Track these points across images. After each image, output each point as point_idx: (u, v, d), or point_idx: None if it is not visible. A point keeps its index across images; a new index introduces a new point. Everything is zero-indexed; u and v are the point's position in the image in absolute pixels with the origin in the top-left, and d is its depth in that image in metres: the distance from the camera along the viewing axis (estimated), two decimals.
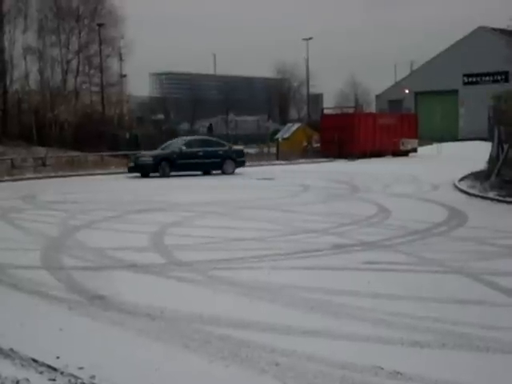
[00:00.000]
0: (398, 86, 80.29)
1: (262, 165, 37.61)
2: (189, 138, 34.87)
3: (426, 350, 5.79)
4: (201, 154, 29.77)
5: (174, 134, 53.95)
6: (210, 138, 35.71)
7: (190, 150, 29.80)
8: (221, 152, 30.54)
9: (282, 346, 5.85)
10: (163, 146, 31.87)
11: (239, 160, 31.39)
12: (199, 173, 29.80)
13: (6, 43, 57.41)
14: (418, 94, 76.53)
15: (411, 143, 47.17)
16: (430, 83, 73.43)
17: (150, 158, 29.60)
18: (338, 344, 5.99)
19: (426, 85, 74.26)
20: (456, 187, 20.83)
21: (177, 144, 31.21)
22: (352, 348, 5.89)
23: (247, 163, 32.45)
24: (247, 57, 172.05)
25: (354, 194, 19.99)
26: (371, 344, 5.97)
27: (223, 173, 29.99)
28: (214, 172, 30.21)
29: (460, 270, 9.03)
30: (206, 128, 76.09)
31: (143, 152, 32.38)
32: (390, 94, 79.70)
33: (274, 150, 44.74)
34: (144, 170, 29.41)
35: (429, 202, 17.69)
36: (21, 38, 57.60)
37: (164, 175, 28.80)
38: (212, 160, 30.02)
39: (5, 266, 9.59)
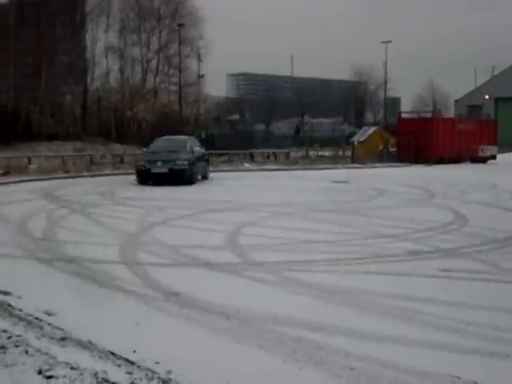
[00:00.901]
0: (478, 91, 78.81)
1: (336, 168, 37.44)
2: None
3: (505, 362, 5.67)
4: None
5: (249, 135, 54.34)
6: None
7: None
8: None
9: (356, 350, 5.81)
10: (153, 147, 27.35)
11: None
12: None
13: (89, 42, 59.03)
14: (498, 100, 74.96)
15: (490, 150, 46.23)
16: None
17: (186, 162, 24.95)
18: (414, 351, 5.91)
19: (507, 91, 72.67)
20: None
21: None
22: (428, 356, 5.80)
23: (323, 166, 31.99)
24: (324, 59, 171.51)
25: (431, 200, 19.69)
26: (448, 353, 5.87)
27: None
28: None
29: None
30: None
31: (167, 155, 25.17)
32: (469, 99, 78.30)
33: (349, 153, 44.48)
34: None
35: (508, 210, 17.28)
36: (103, 37, 59.11)
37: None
38: None
39: (84, 260, 9.81)
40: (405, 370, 5.39)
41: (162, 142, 27.39)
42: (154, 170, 24.44)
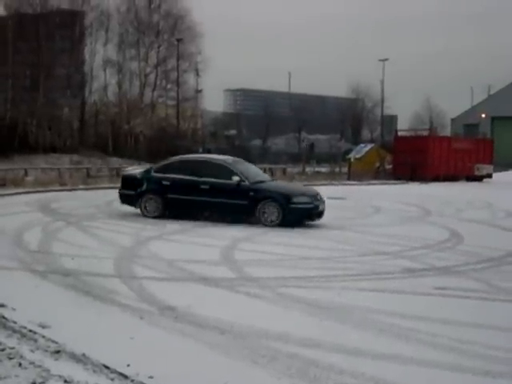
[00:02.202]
0: (475, 110, 79.10)
1: (333, 184, 37.47)
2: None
3: (498, 381, 5.67)
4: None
5: (246, 150, 54.47)
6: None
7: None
8: None
9: (351, 367, 5.81)
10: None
11: None
12: None
13: (87, 55, 59.16)
14: (494, 119, 75.19)
15: (486, 169, 46.33)
16: (508, 108, 72.09)
17: None
18: (408, 369, 5.91)
19: (503, 110, 72.94)
20: None
21: None
22: (422, 374, 5.81)
23: (319, 182, 32.01)
24: (322, 76, 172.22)
25: (426, 218, 19.71)
26: (442, 371, 5.87)
27: None
28: None
29: None
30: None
31: None
32: (465, 118, 78.59)
33: (345, 169, 44.55)
34: None
35: (503, 229, 17.31)
36: (101, 51, 59.25)
37: None
38: None
39: (79, 273, 9.79)
40: None
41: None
42: None
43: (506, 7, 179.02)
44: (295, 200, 16.40)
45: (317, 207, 16.73)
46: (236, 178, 16.76)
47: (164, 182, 17.40)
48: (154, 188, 17.54)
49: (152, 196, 17.49)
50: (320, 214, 16.89)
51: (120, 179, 18.77)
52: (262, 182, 17.44)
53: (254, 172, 18.37)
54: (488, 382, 5.67)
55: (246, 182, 16.77)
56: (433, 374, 5.81)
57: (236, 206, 16.65)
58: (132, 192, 17.80)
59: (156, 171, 17.88)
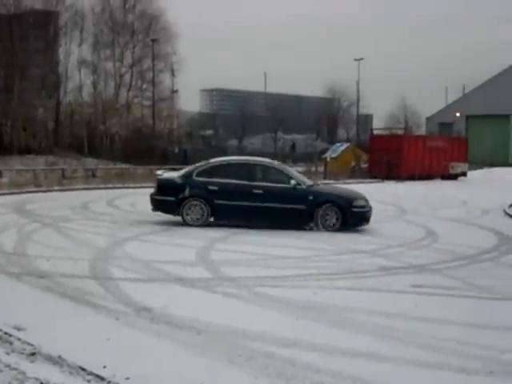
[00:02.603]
0: (449, 109, 79.63)
1: None
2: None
3: (473, 377, 5.72)
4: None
5: (222, 150, 54.42)
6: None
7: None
8: None
9: (327, 366, 5.83)
10: None
11: None
12: None
13: (62, 56, 58.83)
14: (469, 118, 75.76)
15: (461, 167, 46.65)
16: (482, 107, 72.67)
17: None
18: (384, 366, 5.94)
19: (477, 109, 73.49)
20: (506, 213, 20.53)
21: None
22: (398, 371, 5.84)
23: None
24: (298, 76, 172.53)
25: (402, 216, 19.83)
26: (418, 368, 5.91)
27: None
28: None
29: (509, 297, 8.89)
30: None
31: None
32: (440, 116, 79.09)
33: (321, 169, 44.65)
34: None
35: (478, 227, 17.46)
36: (76, 51, 58.96)
37: None
38: None
39: (54, 275, 9.73)
40: None
41: None
42: None
43: (480, 9, 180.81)
44: (356, 204, 15.91)
45: (371, 210, 16.27)
46: (293, 182, 16.00)
47: (210, 187, 16.04)
48: (198, 193, 16.08)
49: (196, 202, 16.05)
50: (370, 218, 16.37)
51: (155, 183, 17.11)
52: (313, 185, 16.78)
53: (300, 175, 17.80)
54: (463, 378, 5.71)
55: (303, 186, 16.11)
56: (409, 372, 5.84)
57: (293, 210, 15.87)
58: (171, 198, 16.20)
59: (198, 175, 16.38)
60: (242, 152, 62.49)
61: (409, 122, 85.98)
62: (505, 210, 20.97)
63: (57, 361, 5.82)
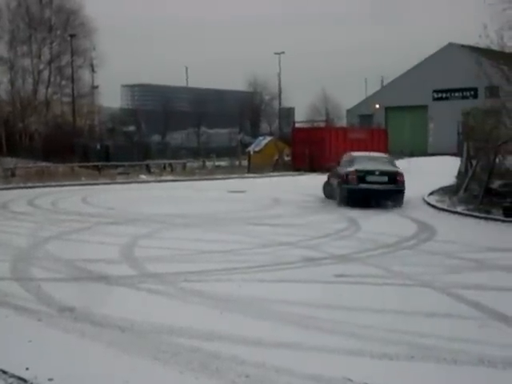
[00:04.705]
0: (369, 100, 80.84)
1: (233, 177, 37.61)
2: None
3: (394, 363, 5.86)
4: None
5: (145, 146, 53.90)
6: None
7: None
8: None
9: (252, 358, 5.87)
10: None
11: None
12: None
13: None
14: (388, 109, 77.09)
15: None
16: (400, 98, 74.04)
17: None
18: (308, 356, 6.03)
19: (396, 100, 74.83)
20: (425, 201, 21.03)
21: None
22: (322, 360, 5.93)
23: (220, 176, 32.04)
24: (219, 70, 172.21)
25: (325, 207, 20.08)
26: (341, 356, 6.02)
27: None
28: None
29: (429, 284, 9.13)
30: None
31: None
32: (360, 108, 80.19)
33: (245, 163, 44.79)
34: None
35: (398, 215, 17.84)
36: None
37: None
38: None
39: None
40: (300, 374, 5.49)
41: None
42: None
43: (400, 6, 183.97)
44: None
45: None
46: None
47: None
48: None
49: None
50: None
51: None
52: None
53: None
54: (385, 364, 5.84)
55: None
56: (332, 359, 5.95)
57: None
58: None
59: None
60: (165, 148, 62.12)
61: (330, 115, 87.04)
62: (424, 199, 21.47)
63: None
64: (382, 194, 19.69)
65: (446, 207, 19.15)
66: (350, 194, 19.69)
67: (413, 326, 7.02)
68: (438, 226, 15.35)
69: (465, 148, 22.46)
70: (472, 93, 69.00)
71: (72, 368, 5.70)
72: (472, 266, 10.72)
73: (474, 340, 6.51)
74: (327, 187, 22.71)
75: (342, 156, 22.95)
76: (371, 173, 20.01)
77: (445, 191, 22.43)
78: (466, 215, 17.59)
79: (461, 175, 22.43)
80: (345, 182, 19.93)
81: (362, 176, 19.88)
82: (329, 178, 23.01)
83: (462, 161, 22.94)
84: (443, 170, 28.05)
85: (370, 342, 6.40)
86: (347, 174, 20.04)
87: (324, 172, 40.62)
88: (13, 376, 5.42)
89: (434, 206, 19.73)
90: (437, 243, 13.03)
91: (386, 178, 19.95)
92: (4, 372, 5.52)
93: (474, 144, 21.94)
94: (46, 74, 59.85)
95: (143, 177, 38.04)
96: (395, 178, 20.04)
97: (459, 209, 18.45)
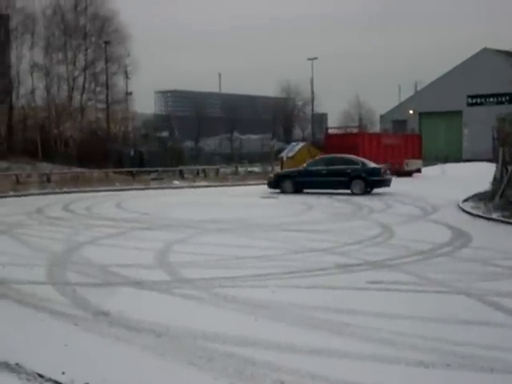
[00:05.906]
0: (402, 106, 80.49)
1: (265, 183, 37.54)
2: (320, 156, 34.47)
3: (430, 371, 5.80)
4: (324, 172, 28.80)
5: (178, 152, 54.13)
6: (343, 156, 31.08)
7: (313, 168, 29.28)
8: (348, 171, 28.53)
9: (286, 364, 5.86)
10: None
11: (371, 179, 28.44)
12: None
13: (13, 59, 57.88)
14: (422, 115, 76.66)
15: (415, 163, 47.13)
16: (435, 104, 73.61)
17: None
18: (343, 363, 6.00)
19: (430, 105, 74.42)
20: (460, 208, 20.82)
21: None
22: (356, 367, 5.90)
23: (252, 182, 31.89)
24: (253, 76, 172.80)
25: (358, 214, 20.00)
26: (376, 363, 5.98)
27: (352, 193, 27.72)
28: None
29: (464, 291, 9.04)
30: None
31: None
32: (394, 114, 79.86)
33: (278, 168, 44.78)
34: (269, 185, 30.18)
35: (433, 222, 17.69)
36: (28, 55, 58.05)
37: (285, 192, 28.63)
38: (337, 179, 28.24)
39: (10, 281, 9.62)
40: (335, 381, 5.47)
41: None
42: None
43: (434, 10, 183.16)
44: None
45: None
46: None
47: None
48: None
49: None
50: None
51: None
52: None
53: None
54: (421, 371, 5.79)
55: None
56: (367, 367, 5.91)
57: None
58: None
59: None
60: (198, 153, 62.41)
61: (363, 120, 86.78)
62: (459, 205, 21.25)
63: (14, 368, 5.76)
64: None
65: (481, 213, 18.93)
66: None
67: (448, 333, 6.95)
68: (473, 232, 15.19)
69: (500, 154, 22.18)
70: (507, 98, 68.32)
71: (108, 372, 5.74)
72: (508, 274, 10.59)
73: (510, 348, 6.43)
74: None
75: None
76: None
77: (480, 197, 22.18)
78: (502, 222, 17.37)
79: (496, 181, 22.16)
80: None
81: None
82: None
83: (497, 167, 22.66)
84: (478, 175, 27.81)
85: (404, 349, 6.35)
86: None
87: None
88: (49, 380, 5.48)
89: (468, 213, 19.52)
90: (472, 250, 12.88)
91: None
92: (40, 376, 5.57)
93: (509, 150, 21.67)
94: (80, 80, 60.45)
95: (176, 182, 38.25)
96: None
97: (495, 215, 18.23)
